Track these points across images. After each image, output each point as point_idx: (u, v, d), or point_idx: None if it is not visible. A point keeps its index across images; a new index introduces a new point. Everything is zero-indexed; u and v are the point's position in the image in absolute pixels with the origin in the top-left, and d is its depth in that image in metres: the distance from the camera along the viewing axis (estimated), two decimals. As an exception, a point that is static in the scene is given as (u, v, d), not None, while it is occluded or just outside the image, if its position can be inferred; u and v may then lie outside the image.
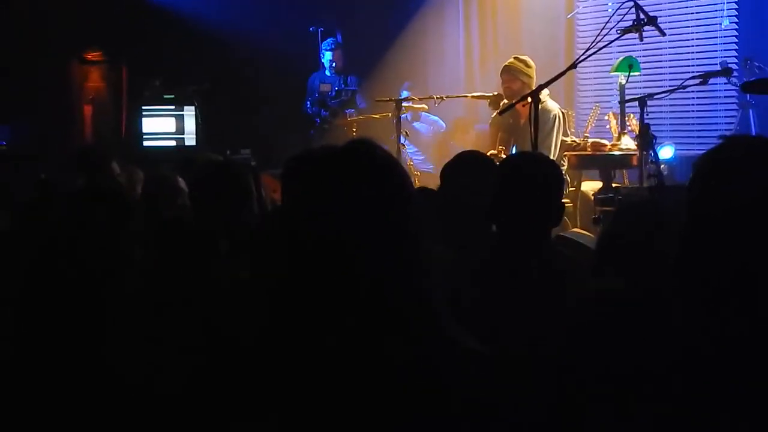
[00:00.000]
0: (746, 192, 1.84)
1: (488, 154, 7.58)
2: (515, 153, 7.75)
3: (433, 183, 4.47)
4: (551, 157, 7.18)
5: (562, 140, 8.00)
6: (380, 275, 1.82)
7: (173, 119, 10.93)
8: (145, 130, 10.97)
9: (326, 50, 10.27)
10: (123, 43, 11.40)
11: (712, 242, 1.83)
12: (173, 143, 10.91)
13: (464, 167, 4.20)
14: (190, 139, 10.89)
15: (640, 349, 1.81)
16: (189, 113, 10.92)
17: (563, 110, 8.19)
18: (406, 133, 9.06)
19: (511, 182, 3.45)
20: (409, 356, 1.81)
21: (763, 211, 1.82)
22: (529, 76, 7.96)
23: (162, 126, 10.96)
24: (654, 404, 1.76)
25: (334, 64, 10.23)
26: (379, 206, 1.85)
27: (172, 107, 10.96)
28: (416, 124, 10.42)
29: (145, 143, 10.94)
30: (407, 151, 9.12)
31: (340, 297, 1.82)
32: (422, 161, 10.03)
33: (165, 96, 11.05)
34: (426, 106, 9.81)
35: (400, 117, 8.78)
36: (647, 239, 2.80)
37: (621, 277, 2.49)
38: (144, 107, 11.01)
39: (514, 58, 8.14)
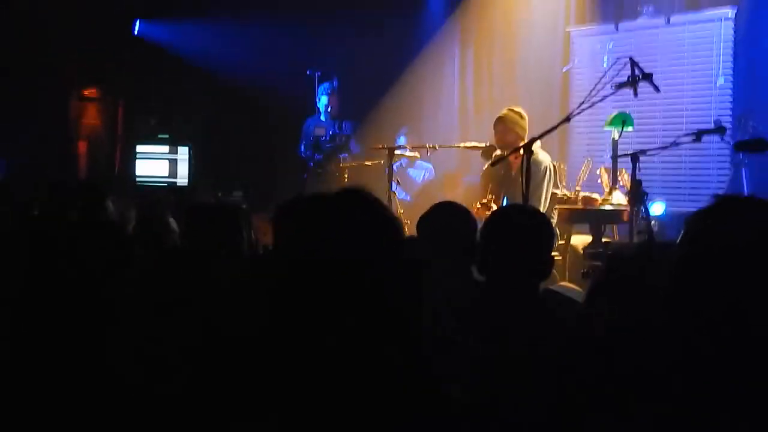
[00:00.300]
0: (739, 234, 1.86)
1: (478, 204, 7.67)
2: (505, 204, 7.79)
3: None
4: (541, 209, 7.23)
5: (552, 193, 8.04)
6: (380, 275, 1.84)
7: (167, 162, 10.96)
8: (138, 173, 11.05)
9: (322, 95, 10.32)
10: (120, 80, 11.48)
11: (704, 281, 1.84)
12: (165, 185, 10.96)
13: (439, 217, 4.21)
14: (182, 181, 10.94)
15: (640, 349, 1.82)
16: (183, 157, 10.96)
17: (554, 163, 8.23)
18: (398, 180, 9.14)
19: (500, 234, 3.45)
20: (409, 356, 1.83)
21: (756, 252, 1.84)
22: (523, 128, 8.00)
23: (155, 170, 11.01)
24: (654, 404, 1.77)
25: (329, 109, 10.26)
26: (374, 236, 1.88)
27: (166, 148, 11.00)
28: (411, 171, 10.51)
29: (138, 182, 11.01)
30: (398, 197, 9.18)
31: (340, 297, 1.84)
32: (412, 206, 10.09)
33: (160, 136, 11.12)
34: (418, 155, 9.89)
35: (392, 164, 8.87)
36: (640, 273, 2.81)
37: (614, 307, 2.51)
38: (138, 146, 11.07)
39: (509, 109, 8.17)
